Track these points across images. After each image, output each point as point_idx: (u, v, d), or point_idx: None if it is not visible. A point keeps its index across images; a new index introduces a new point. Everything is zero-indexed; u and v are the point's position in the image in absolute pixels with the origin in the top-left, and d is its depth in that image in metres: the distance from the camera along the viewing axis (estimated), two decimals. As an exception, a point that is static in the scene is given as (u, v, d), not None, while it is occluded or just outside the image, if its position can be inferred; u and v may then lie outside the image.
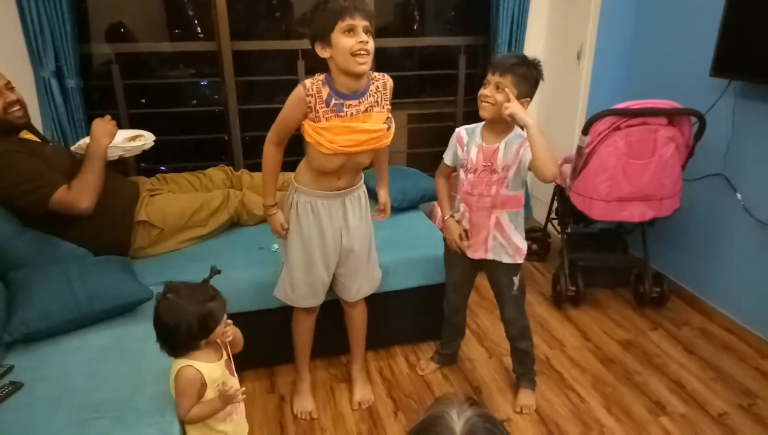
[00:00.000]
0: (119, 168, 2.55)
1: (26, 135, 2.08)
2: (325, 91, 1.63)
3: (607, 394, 2.15)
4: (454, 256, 2.02)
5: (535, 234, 3.20)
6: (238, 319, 2.11)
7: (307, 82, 1.63)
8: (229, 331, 1.47)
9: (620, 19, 2.99)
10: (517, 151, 1.77)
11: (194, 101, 3.66)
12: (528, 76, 1.71)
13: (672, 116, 2.37)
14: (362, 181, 1.88)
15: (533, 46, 3.38)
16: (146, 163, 3.29)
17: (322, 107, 1.64)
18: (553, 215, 3.06)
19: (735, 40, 2.30)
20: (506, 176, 1.79)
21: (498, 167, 1.79)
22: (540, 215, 3.54)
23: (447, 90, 3.72)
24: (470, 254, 1.94)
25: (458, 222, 1.95)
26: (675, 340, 2.48)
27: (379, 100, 1.71)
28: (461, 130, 1.90)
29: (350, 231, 1.85)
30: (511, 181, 1.81)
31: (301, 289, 1.90)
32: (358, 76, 1.61)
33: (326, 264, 1.88)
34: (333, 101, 1.64)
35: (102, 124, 2.11)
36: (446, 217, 1.99)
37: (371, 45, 1.58)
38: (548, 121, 3.51)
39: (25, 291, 1.71)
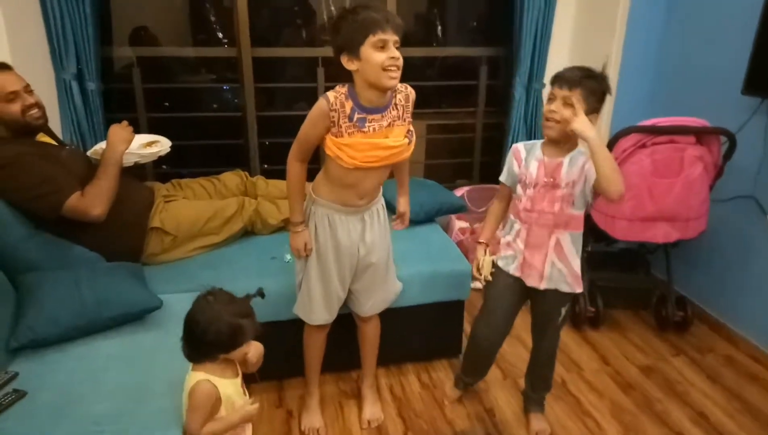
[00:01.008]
0: (137, 171, 2.54)
1: (43, 138, 2.07)
2: (349, 105, 1.59)
3: (626, 423, 2.07)
4: (503, 287, 1.85)
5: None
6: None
7: (330, 95, 1.59)
8: (253, 359, 1.45)
9: (647, 32, 2.91)
10: (582, 166, 1.66)
11: (215, 106, 3.67)
12: (597, 90, 1.62)
13: (700, 135, 2.29)
14: (381, 193, 1.84)
15: (556, 59, 3.31)
16: (166, 166, 3.28)
17: (345, 122, 1.59)
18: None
19: (770, 57, 2.21)
20: (572, 193, 1.67)
21: (562, 182, 1.68)
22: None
23: (467, 101, 3.67)
24: (524, 279, 1.80)
25: (510, 243, 1.82)
26: (698, 368, 2.39)
27: (401, 113, 1.67)
28: (519, 146, 1.79)
29: (367, 246, 1.81)
30: (577, 198, 1.70)
31: (320, 306, 1.85)
32: (386, 90, 1.58)
33: (341, 278, 1.83)
34: (356, 115, 1.59)
35: (119, 130, 2.10)
36: (480, 241, 1.89)
37: (401, 60, 1.54)
38: (571, 135, 3.44)
39: (33, 296, 1.69)
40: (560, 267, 1.76)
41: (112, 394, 1.47)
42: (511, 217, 1.84)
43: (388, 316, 2.08)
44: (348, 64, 1.55)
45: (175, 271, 2.12)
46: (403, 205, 1.97)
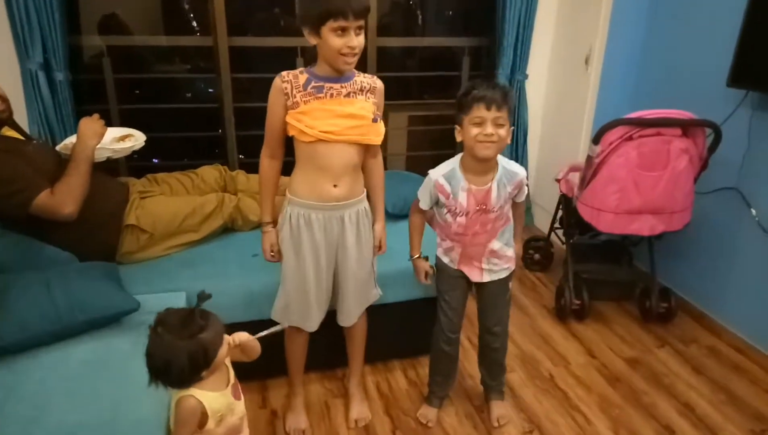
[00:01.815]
0: (109, 166, 2.44)
1: (8, 132, 1.97)
2: (303, 78, 1.57)
3: (615, 417, 2.06)
4: (452, 278, 1.87)
5: (537, 243, 3.11)
6: (230, 330, 2.02)
7: (283, 72, 1.58)
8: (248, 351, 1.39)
9: (631, 24, 2.89)
10: (512, 191, 1.72)
11: (189, 96, 3.55)
12: (513, 104, 1.64)
13: (686, 127, 2.28)
14: (364, 195, 1.76)
15: (540, 49, 3.29)
16: (137, 156, 3.15)
17: (299, 91, 1.57)
18: (557, 225, 2.96)
19: (754, 49, 2.20)
20: (501, 213, 1.74)
21: (493, 207, 1.70)
22: (542, 223, 3.46)
23: (449, 92, 3.63)
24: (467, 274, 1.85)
25: (446, 250, 1.85)
26: (683, 359, 2.39)
27: (365, 90, 1.63)
28: (439, 179, 1.70)
29: (347, 251, 1.73)
30: (506, 212, 1.77)
31: (296, 310, 1.79)
32: (342, 73, 1.57)
33: (318, 284, 1.76)
34: (312, 84, 1.57)
35: (90, 124, 2.00)
36: (415, 257, 1.91)
37: (361, 43, 1.51)
38: (552, 126, 3.43)
39: (0, 300, 1.59)
40: (496, 261, 1.82)
41: (86, 404, 1.40)
42: (440, 235, 1.85)
43: (374, 313, 2.03)
44: (309, 37, 1.53)
45: (153, 270, 2.04)
46: (379, 230, 1.83)
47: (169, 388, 1.28)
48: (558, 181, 2.77)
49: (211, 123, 3.25)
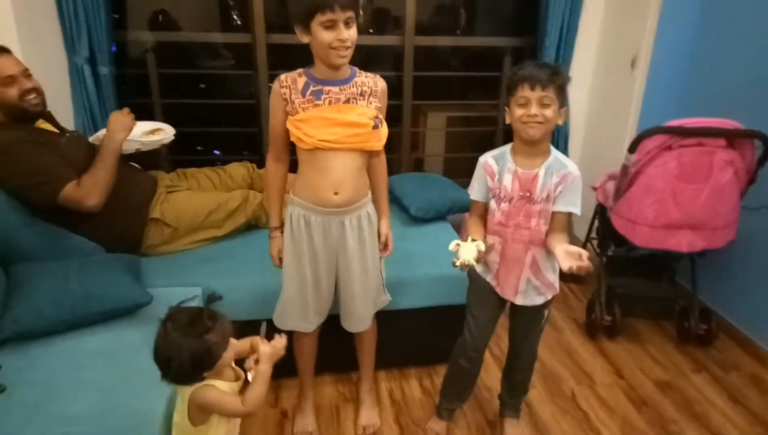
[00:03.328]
0: (150, 158, 2.50)
1: (43, 124, 2.04)
2: (302, 81, 1.55)
3: (637, 443, 1.95)
4: (483, 293, 1.75)
5: (573, 253, 2.98)
6: (246, 327, 2.04)
7: (282, 75, 1.56)
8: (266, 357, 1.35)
9: (681, 25, 2.72)
10: (556, 184, 1.56)
11: (232, 92, 3.61)
12: (564, 84, 1.52)
13: (732, 138, 2.13)
14: (367, 198, 1.72)
15: (584, 51, 3.16)
16: (177, 154, 3.24)
17: (297, 98, 1.54)
18: (593, 235, 2.84)
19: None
20: (547, 208, 1.58)
21: (537, 197, 1.58)
22: (581, 233, 3.31)
23: (492, 93, 3.54)
24: (499, 292, 1.73)
25: (487, 250, 1.65)
26: (720, 386, 2.24)
27: (366, 94, 1.59)
28: (488, 159, 1.65)
29: (349, 255, 1.70)
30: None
31: (292, 311, 1.78)
32: (335, 68, 1.53)
33: (317, 287, 1.74)
34: (311, 88, 1.54)
35: (119, 118, 2.05)
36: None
37: (353, 36, 1.48)
38: (595, 132, 3.29)
39: (21, 287, 1.67)
40: (536, 283, 1.68)
41: (88, 394, 1.43)
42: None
43: (390, 318, 2.00)
44: (301, 36, 1.50)
45: (174, 264, 2.08)
46: (383, 228, 1.79)
47: (173, 385, 1.30)
48: (595, 189, 2.65)
49: (250, 119, 3.30)
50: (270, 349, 1.36)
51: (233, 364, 1.40)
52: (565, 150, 3.31)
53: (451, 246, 1.53)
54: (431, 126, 3.68)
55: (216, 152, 3.45)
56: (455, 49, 3.77)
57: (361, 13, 1.52)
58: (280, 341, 1.40)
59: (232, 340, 1.35)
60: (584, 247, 2.93)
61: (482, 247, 1.53)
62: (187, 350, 1.23)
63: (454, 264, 1.51)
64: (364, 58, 3.67)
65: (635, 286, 2.60)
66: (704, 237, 2.24)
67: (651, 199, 2.20)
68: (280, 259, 1.75)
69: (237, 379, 1.38)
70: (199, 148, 3.52)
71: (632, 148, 2.17)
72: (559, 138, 3.28)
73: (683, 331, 2.48)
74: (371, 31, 3.65)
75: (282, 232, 1.73)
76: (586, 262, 1.43)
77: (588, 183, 3.08)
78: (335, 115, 1.55)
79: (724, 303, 2.62)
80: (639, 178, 2.22)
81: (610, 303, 2.48)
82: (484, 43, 3.55)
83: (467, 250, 1.51)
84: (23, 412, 1.36)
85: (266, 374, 1.33)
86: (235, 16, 3.42)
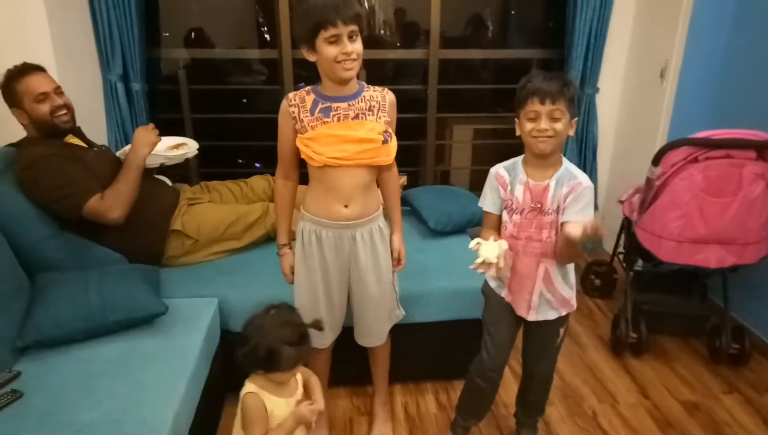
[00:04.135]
0: (180, 171, 2.56)
1: (72, 139, 2.12)
2: (310, 99, 1.56)
3: (659, 467, 1.88)
4: (500, 310, 1.72)
5: (599, 268, 2.91)
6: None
7: (290, 93, 1.57)
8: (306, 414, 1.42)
9: (712, 35, 2.64)
10: (566, 194, 1.53)
11: (261, 106, 3.69)
12: (574, 96, 1.50)
13: (763, 150, 2.04)
14: (379, 212, 1.72)
15: (612, 62, 3.10)
16: (208, 167, 3.32)
17: (306, 116, 1.55)
18: (620, 249, 2.76)
19: None
20: (558, 220, 1.55)
21: (548, 208, 1.55)
22: (609, 246, 3.23)
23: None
24: (514, 307, 1.69)
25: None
26: (753, 409, 2.13)
27: (375, 109, 1.58)
28: (500, 169, 1.63)
29: (360, 269, 1.70)
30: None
31: None
32: (343, 82, 1.53)
33: (329, 302, 1.74)
34: (319, 106, 1.55)
35: (143, 133, 2.12)
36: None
37: (358, 49, 1.47)
38: (625, 144, 3.21)
39: (43, 296, 1.73)
40: (549, 298, 1.63)
41: (101, 401, 1.47)
42: None
43: (407, 331, 1.99)
44: (307, 55, 1.51)
45: (192, 275, 2.12)
46: (396, 242, 1.77)
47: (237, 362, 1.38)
48: (621, 202, 2.58)
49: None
50: (310, 412, 1.42)
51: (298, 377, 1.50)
52: (593, 163, 3.24)
53: (472, 244, 1.51)
54: (457, 138, 3.66)
55: (257, 165, 3.53)
56: (485, 62, 3.75)
57: (365, 25, 1.52)
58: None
59: (303, 369, 1.49)
60: (611, 261, 2.87)
61: (505, 246, 1.50)
62: (264, 343, 1.32)
63: (474, 266, 1.48)
64: (395, 72, 3.70)
65: (663, 302, 2.52)
66: (734, 252, 2.15)
67: (676, 213, 2.13)
68: (293, 275, 1.76)
69: (292, 394, 1.46)
70: (240, 160, 3.62)
71: (656, 161, 2.11)
72: (587, 151, 3.22)
73: (714, 349, 2.38)
74: (398, 45, 3.68)
75: (291, 248, 1.75)
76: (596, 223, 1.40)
77: (617, 197, 3.02)
78: (344, 132, 1.55)
79: (759, 321, 2.50)
80: (664, 191, 2.15)
81: (637, 319, 2.40)
82: (509, 56, 3.53)
83: (489, 248, 1.47)
84: (37, 419, 1.40)
85: (290, 427, 1.40)
86: (265, 33, 3.50)
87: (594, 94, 3.12)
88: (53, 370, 1.59)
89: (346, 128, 1.56)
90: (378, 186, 1.74)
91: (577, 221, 1.46)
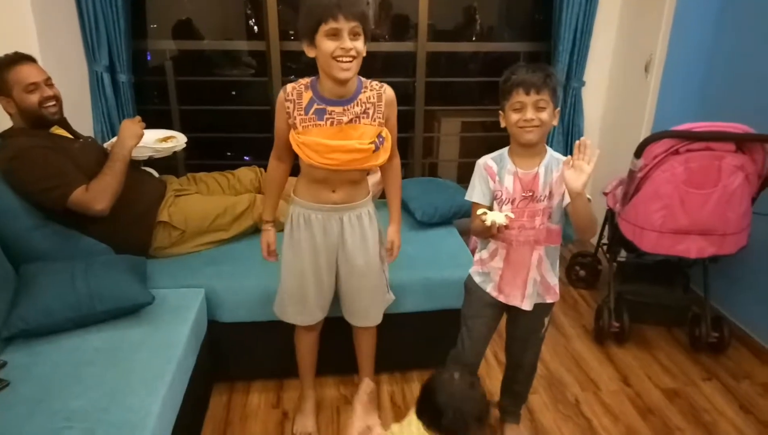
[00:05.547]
0: (168, 163, 2.54)
1: (58, 130, 2.11)
2: (307, 96, 1.55)
3: (639, 452, 1.92)
4: (480, 304, 1.74)
5: (583, 259, 2.95)
6: (248, 328, 2.08)
7: (289, 85, 1.56)
8: None
9: (696, 29, 2.68)
10: (559, 179, 1.55)
11: (248, 98, 3.68)
12: (557, 87, 1.54)
13: (742, 142, 2.08)
14: (367, 199, 1.74)
15: (598, 55, 3.13)
16: (190, 160, 3.32)
17: (300, 114, 1.55)
18: (605, 240, 2.80)
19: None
20: (550, 205, 1.59)
21: (540, 195, 1.58)
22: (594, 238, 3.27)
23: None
24: (503, 300, 1.70)
25: (484, 261, 1.70)
26: (731, 395, 2.18)
27: (370, 111, 1.58)
28: (487, 160, 1.65)
29: (348, 251, 1.73)
30: (555, 211, 1.60)
31: (290, 304, 1.82)
32: (339, 82, 1.50)
33: (318, 282, 1.77)
34: (314, 106, 1.54)
35: (129, 125, 2.12)
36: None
37: (358, 47, 1.45)
38: (610, 137, 3.24)
39: (29, 286, 1.73)
40: (540, 285, 1.67)
41: (88, 389, 1.48)
42: (483, 241, 1.73)
43: (394, 320, 2.01)
44: (308, 51, 1.50)
45: (179, 266, 2.13)
46: (391, 233, 1.80)
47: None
48: (605, 194, 2.62)
49: (267, 125, 3.36)
50: None
51: None
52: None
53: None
54: (445, 131, 3.68)
55: (246, 158, 3.53)
56: (474, 55, 3.77)
57: (371, 25, 1.51)
58: None
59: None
60: (595, 252, 2.91)
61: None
62: (469, 405, 1.29)
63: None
64: (383, 65, 3.71)
65: (646, 292, 2.56)
66: (714, 243, 2.19)
67: (658, 204, 2.17)
68: (269, 253, 1.80)
69: None
70: (228, 153, 3.61)
71: (638, 153, 2.14)
72: (573, 144, 3.24)
73: (695, 338, 2.43)
74: (386, 37, 3.69)
75: (274, 226, 1.79)
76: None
77: (601, 189, 3.06)
78: (335, 142, 1.55)
79: (738, 310, 2.56)
80: (646, 183, 2.19)
81: (619, 309, 2.45)
82: (497, 49, 3.55)
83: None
84: (26, 407, 1.41)
85: None
86: (253, 25, 3.49)
87: (580, 87, 3.15)
88: (41, 359, 1.60)
89: (337, 137, 1.55)
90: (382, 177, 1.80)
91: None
